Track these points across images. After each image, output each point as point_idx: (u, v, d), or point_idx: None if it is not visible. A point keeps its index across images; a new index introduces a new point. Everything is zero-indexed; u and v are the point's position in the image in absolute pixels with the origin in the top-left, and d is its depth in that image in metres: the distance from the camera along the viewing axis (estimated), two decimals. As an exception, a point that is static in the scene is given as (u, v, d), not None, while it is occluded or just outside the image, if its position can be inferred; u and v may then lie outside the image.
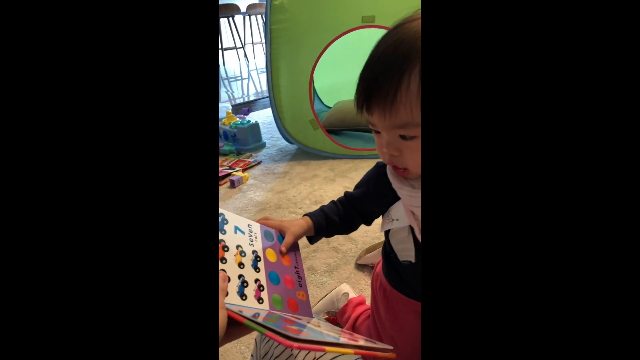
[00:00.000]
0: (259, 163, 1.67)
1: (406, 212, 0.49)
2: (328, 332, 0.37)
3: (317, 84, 2.18)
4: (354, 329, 0.76)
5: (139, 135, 0.26)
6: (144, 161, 0.26)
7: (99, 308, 0.24)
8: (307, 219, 0.55)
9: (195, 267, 0.26)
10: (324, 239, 0.73)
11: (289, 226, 0.52)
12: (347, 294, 0.84)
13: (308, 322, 0.40)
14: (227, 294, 0.38)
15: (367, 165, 1.55)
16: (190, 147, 0.26)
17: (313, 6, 1.38)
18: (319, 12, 1.39)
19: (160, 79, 0.26)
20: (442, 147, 0.25)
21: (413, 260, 0.52)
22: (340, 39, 1.42)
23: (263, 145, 1.88)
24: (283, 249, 0.50)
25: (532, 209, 0.23)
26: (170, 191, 0.26)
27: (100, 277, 0.24)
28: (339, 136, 1.76)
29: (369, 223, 0.58)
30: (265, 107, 2.57)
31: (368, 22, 1.36)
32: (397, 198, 0.50)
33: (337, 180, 1.42)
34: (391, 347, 0.36)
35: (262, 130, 1.99)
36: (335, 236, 0.60)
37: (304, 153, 1.71)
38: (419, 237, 0.49)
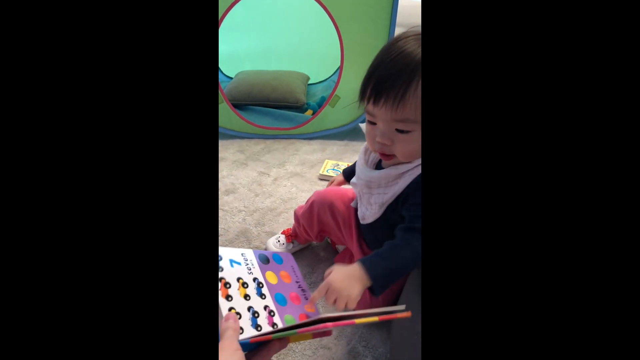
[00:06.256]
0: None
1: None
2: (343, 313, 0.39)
3: (215, 51, 1.95)
4: None
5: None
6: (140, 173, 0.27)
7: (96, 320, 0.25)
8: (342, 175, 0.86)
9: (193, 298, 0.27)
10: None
11: (337, 178, 0.86)
12: None
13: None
14: (242, 331, 0.39)
15: (281, 147, 1.44)
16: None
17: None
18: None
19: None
20: (441, 146, 0.27)
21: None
22: (244, 4, 1.25)
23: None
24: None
25: (529, 211, 0.24)
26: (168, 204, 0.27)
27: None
28: (245, 112, 1.61)
29: None
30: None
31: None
32: None
33: (249, 165, 1.29)
34: (403, 307, 0.39)
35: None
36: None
37: (207, 132, 1.52)
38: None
